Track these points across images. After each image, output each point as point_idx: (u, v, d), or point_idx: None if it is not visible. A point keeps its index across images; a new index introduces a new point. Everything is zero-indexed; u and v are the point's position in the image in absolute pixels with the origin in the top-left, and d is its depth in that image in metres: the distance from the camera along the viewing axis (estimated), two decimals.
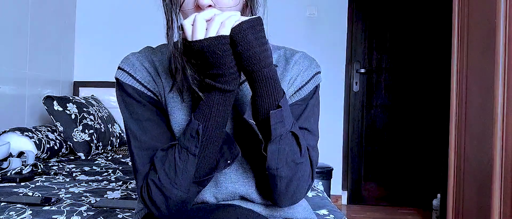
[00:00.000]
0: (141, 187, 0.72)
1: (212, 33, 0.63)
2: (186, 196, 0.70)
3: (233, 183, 0.77)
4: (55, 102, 2.25)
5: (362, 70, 3.15)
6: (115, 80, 0.79)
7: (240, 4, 0.73)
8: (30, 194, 1.38)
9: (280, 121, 0.67)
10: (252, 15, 0.74)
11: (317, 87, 0.81)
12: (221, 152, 0.71)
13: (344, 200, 3.21)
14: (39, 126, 2.31)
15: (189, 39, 0.65)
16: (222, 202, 0.78)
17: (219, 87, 0.66)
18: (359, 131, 3.21)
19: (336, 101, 3.13)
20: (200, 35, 0.64)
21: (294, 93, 0.79)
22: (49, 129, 2.26)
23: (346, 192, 3.21)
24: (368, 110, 3.20)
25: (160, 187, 0.69)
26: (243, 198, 0.79)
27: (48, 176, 1.70)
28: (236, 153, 0.70)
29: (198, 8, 0.68)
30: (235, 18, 0.64)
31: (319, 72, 0.82)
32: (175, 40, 0.73)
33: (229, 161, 0.70)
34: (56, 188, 1.48)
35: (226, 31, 0.63)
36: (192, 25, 0.65)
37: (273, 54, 0.78)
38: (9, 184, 1.53)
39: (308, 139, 0.76)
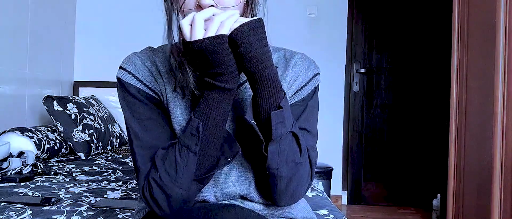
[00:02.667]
0: (142, 186, 0.72)
1: (211, 33, 0.63)
2: (187, 194, 0.70)
3: (233, 183, 0.77)
4: (55, 102, 2.25)
5: (362, 70, 3.15)
6: (116, 80, 0.78)
7: (241, 4, 0.73)
8: (30, 194, 1.38)
9: (281, 121, 0.67)
10: (253, 15, 0.75)
11: (316, 88, 0.82)
12: (222, 150, 0.71)
13: (344, 200, 3.21)
14: (39, 126, 2.31)
15: (187, 39, 0.65)
16: (222, 202, 0.78)
17: (219, 85, 0.65)
18: (359, 131, 3.21)
19: (336, 101, 3.13)
20: (198, 35, 0.63)
21: (294, 93, 0.80)
22: (49, 129, 2.26)
23: (346, 192, 3.21)
24: (368, 110, 3.20)
25: (161, 185, 0.69)
26: (243, 197, 0.79)
27: (48, 176, 1.70)
28: (236, 151, 0.70)
29: (200, 8, 0.68)
30: (234, 17, 0.64)
31: (318, 73, 0.83)
32: (176, 40, 0.73)
33: (229, 159, 0.71)
34: (56, 188, 1.48)
35: (225, 31, 0.63)
36: (191, 25, 0.64)
37: (272, 55, 0.78)
38: (9, 184, 1.53)
39: (308, 140, 0.76)
